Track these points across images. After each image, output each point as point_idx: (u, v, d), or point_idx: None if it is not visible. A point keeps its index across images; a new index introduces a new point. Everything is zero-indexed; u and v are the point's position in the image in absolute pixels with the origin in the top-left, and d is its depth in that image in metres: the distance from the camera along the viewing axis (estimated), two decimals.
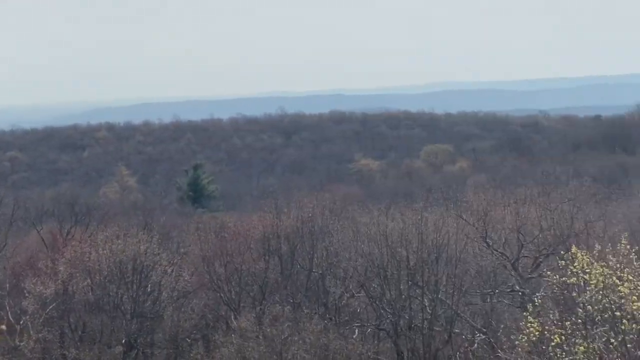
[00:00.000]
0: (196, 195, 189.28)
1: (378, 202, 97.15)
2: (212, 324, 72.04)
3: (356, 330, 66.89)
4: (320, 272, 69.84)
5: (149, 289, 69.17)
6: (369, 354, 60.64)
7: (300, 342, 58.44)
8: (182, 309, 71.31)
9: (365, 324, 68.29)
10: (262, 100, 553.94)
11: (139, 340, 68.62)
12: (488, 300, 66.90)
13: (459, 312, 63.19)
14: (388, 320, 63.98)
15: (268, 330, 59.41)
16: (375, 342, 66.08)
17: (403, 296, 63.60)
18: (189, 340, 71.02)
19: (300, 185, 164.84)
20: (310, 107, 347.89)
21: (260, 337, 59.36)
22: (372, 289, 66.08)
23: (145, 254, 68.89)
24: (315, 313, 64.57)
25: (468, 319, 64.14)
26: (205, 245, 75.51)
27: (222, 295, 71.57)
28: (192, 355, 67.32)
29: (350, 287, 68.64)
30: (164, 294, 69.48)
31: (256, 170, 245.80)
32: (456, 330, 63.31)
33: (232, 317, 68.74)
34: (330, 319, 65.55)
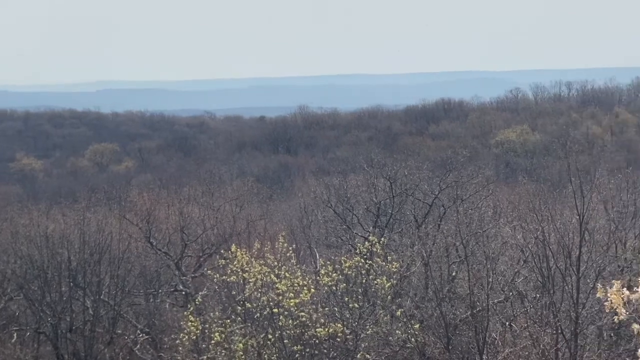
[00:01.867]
0: None
1: (40, 202, 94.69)
2: None
3: (15, 334, 64.71)
4: None
5: None
6: (27, 358, 58.96)
7: None
8: None
9: (24, 328, 66.20)
10: None
11: None
12: (152, 300, 66.72)
13: (121, 312, 62.66)
14: (48, 323, 62.36)
15: None
16: (35, 345, 64.23)
17: (64, 298, 62.24)
18: None
19: None
20: None
21: None
22: (31, 291, 64.18)
23: None
24: None
25: (131, 319, 63.74)
26: None
27: None
28: None
29: (9, 290, 66.32)
30: None
31: None
32: (119, 331, 62.71)
33: None
34: None
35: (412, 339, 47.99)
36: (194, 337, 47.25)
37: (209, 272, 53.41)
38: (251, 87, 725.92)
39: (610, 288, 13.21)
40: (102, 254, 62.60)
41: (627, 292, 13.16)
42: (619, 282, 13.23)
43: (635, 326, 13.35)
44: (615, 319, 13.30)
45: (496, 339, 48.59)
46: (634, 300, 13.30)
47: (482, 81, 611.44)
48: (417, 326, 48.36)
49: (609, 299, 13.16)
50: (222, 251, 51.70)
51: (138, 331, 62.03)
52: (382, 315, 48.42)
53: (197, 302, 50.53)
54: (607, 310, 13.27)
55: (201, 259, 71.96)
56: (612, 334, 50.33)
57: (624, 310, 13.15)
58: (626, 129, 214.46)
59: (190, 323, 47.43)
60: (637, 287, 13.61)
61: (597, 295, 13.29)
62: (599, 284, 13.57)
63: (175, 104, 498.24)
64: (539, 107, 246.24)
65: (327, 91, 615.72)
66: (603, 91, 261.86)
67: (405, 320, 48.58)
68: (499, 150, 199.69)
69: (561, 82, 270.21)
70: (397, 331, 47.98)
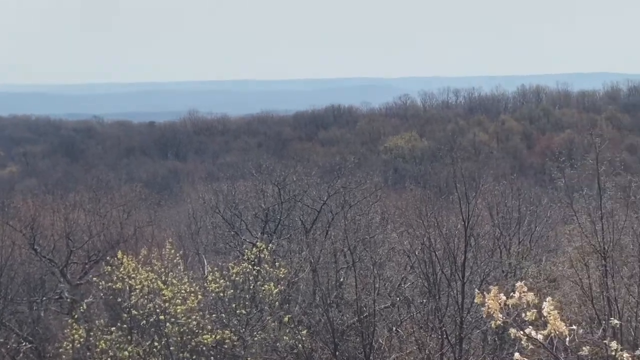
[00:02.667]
0: None
1: None
2: None
3: None
4: None
5: None
6: None
7: None
8: None
9: None
10: None
11: None
12: (35, 308, 65.52)
13: (4, 321, 61.38)
14: None
15: None
16: None
17: None
18: None
19: None
20: None
21: None
22: None
23: None
24: None
25: (14, 328, 62.48)
26: None
27: None
28: None
29: None
30: None
31: None
32: (1, 340, 61.40)
33: None
34: None
35: (300, 345, 48.09)
36: (79, 345, 46.57)
37: (94, 279, 52.74)
38: (140, 92, 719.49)
39: (488, 293, 13.44)
40: None
41: (504, 298, 13.39)
42: (496, 287, 13.47)
43: (512, 331, 13.59)
44: (493, 324, 13.53)
45: (383, 345, 49.01)
46: (510, 306, 13.54)
47: (371, 88, 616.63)
48: (304, 332, 48.48)
49: (486, 304, 13.37)
50: (108, 258, 51.02)
51: (21, 340, 60.84)
52: (269, 322, 48.41)
53: (82, 310, 49.79)
54: (485, 316, 13.49)
55: (87, 266, 70.88)
56: (496, 338, 51.17)
57: (500, 315, 13.38)
58: (512, 136, 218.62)
59: (74, 331, 46.74)
60: (515, 293, 13.85)
61: (476, 300, 13.49)
62: (477, 290, 13.79)
63: (62, 108, 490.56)
64: (427, 114, 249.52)
65: (217, 96, 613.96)
66: (489, 99, 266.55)
67: (293, 326, 48.65)
68: (387, 156, 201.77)
69: (449, 89, 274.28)
70: (284, 337, 48.01)
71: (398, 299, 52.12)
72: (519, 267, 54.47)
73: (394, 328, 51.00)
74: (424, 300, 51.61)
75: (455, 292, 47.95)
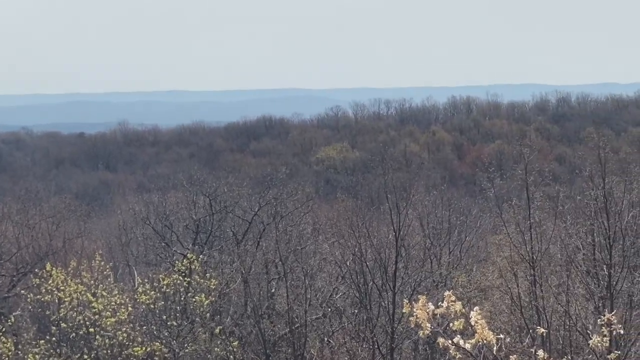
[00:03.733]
0: None
1: None
2: None
3: None
4: None
5: None
6: None
7: None
8: None
9: None
10: None
11: None
12: None
13: None
14: None
15: None
16: None
17: None
18: None
19: None
20: None
21: None
22: None
23: None
24: None
25: None
26: None
27: None
28: None
29: None
30: None
31: None
32: None
33: None
34: None
35: (231, 357, 47.93)
36: (7, 358, 45.90)
37: (22, 291, 52.08)
38: (68, 103, 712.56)
39: (416, 303, 13.51)
40: None
41: (432, 307, 13.48)
42: (424, 297, 13.54)
43: (440, 340, 13.67)
44: (421, 334, 13.60)
45: (314, 356, 49.05)
46: (439, 315, 13.62)
47: (302, 99, 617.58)
48: (236, 343, 48.33)
49: (414, 314, 13.44)
50: (37, 270, 50.41)
51: None
52: (201, 333, 48.19)
53: (10, 323, 49.10)
54: (412, 326, 13.55)
55: (15, 279, 70.02)
56: (427, 348, 51.47)
57: (428, 325, 13.45)
58: (442, 147, 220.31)
59: (2, 344, 46.06)
60: (443, 302, 13.94)
61: (404, 310, 13.56)
62: (405, 300, 13.87)
63: None
64: (359, 124, 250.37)
65: (147, 108, 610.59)
66: (420, 110, 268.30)
67: (224, 337, 48.48)
68: (319, 167, 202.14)
69: (380, 100, 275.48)
70: (216, 349, 47.81)
71: (329, 309, 52.21)
72: (450, 276, 54.88)
73: (326, 339, 51.06)
74: (356, 311, 51.77)
75: (386, 302, 48.17)
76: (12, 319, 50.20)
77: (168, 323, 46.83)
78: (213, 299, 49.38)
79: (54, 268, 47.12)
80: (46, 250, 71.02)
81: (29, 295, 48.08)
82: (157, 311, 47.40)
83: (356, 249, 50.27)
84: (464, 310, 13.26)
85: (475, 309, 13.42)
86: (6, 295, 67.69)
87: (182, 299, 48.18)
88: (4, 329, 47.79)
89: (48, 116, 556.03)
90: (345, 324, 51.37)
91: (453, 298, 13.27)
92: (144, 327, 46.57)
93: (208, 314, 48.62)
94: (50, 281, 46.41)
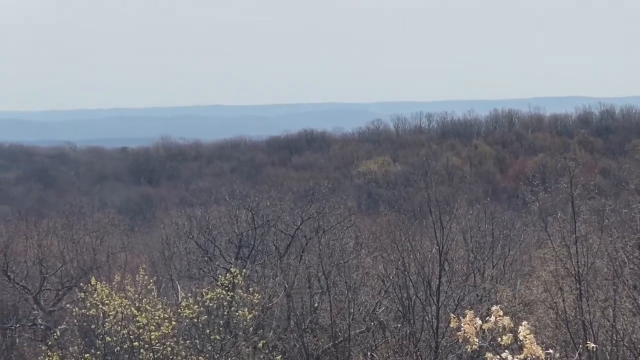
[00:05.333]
0: None
1: None
2: None
3: None
4: None
5: None
6: None
7: None
8: None
9: None
10: None
11: None
12: (9, 335, 65.09)
13: None
14: None
15: None
16: None
17: None
18: None
19: None
20: None
21: None
22: None
23: None
24: None
25: None
26: None
27: None
28: None
29: None
30: None
31: None
32: None
33: None
34: None
35: None
36: None
37: (68, 305, 52.39)
38: (111, 118, 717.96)
39: (464, 317, 13.43)
40: None
41: (479, 322, 13.40)
42: (471, 311, 13.46)
43: (488, 355, 13.59)
44: (468, 349, 13.51)
45: None
46: (486, 330, 13.53)
47: (344, 113, 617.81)
48: (279, 357, 48.30)
49: (462, 328, 13.36)
50: (81, 284, 50.72)
51: None
52: (244, 347, 48.22)
53: (56, 337, 49.44)
54: (460, 340, 13.47)
55: (60, 292, 70.57)
56: None
57: (476, 340, 13.37)
58: (484, 160, 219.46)
59: (48, 358, 46.39)
60: (491, 317, 13.85)
61: (451, 324, 13.48)
62: (452, 314, 13.78)
63: (34, 134, 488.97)
64: (400, 138, 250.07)
65: (189, 122, 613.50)
66: (462, 123, 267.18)
67: (267, 351, 48.49)
68: (361, 181, 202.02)
69: (422, 114, 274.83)
70: None
71: (373, 323, 52.06)
72: (493, 291, 54.54)
73: (369, 353, 50.91)
74: (399, 325, 51.58)
75: (430, 316, 47.96)
76: (58, 333, 50.56)
77: (211, 337, 46.90)
78: (256, 313, 49.41)
79: (98, 282, 47.37)
80: (90, 264, 71.49)
81: (74, 309, 48.35)
82: (201, 325, 47.48)
83: (399, 263, 50.13)
84: (512, 324, 13.18)
85: (523, 323, 13.32)
86: (52, 309, 68.21)
87: (226, 313, 48.24)
88: (50, 343, 48.12)
89: (91, 131, 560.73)
90: (389, 338, 51.19)
91: (501, 312, 13.19)
92: (188, 341, 46.67)
93: (251, 328, 48.65)
94: (95, 295, 46.65)
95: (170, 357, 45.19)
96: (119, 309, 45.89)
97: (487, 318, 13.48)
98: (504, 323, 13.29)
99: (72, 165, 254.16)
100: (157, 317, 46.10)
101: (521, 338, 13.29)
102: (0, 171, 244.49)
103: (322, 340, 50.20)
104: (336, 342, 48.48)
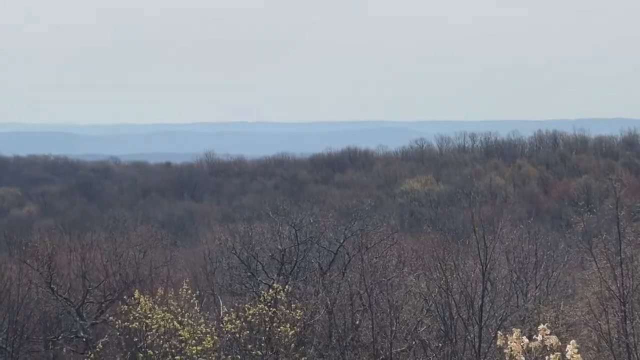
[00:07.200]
0: None
1: None
2: None
3: None
4: None
5: None
6: None
7: None
8: None
9: None
10: None
11: None
12: (51, 347, 65.55)
13: (19, 359, 61.39)
14: None
15: None
16: None
17: None
18: None
19: None
20: None
21: None
22: None
23: None
24: None
25: None
26: None
27: None
28: None
29: None
30: None
31: None
32: None
33: None
34: None
35: None
36: None
37: (111, 318, 52.70)
38: (156, 133, 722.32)
39: (510, 336, 13.39)
40: (1, 299, 61.35)
41: (526, 340, 13.35)
42: (518, 330, 13.42)
43: None
44: None
45: None
46: (533, 349, 13.48)
47: (387, 131, 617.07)
48: None
49: (508, 347, 13.33)
50: (124, 297, 51.02)
51: None
52: None
53: (98, 349, 49.74)
54: (507, 359, 13.43)
55: (103, 305, 70.93)
56: None
57: (523, 358, 13.33)
58: (528, 180, 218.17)
59: None
60: (537, 336, 13.80)
61: (497, 343, 13.45)
62: (499, 332, 13.75)
63: (79, 148, 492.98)
64: (444, 157, 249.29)
65: (233, 138, 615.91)
66: (506, 143, 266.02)
67: None
68: (403, 199, 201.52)
69: (465, 133, 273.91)
70: None
71: (414, 342, 51.91)
72: (536, 312, 54.17)
73: None
74: (440, 344, 51.38)
75: (472, 336, 47.73)
76: (101, 346, 50.86)
77: (253, 353, 46.97)
78: (298, 329, 49.41)
79: (141, 296, 47.62)
80: (133, 278, 71.84)
81: (117, 322, 48.63)
82: (242, 340, 47.58)
83: (442, 282, 49.99)
84: (559, 344, 13.12)
85: (571, 342, 13.26)
86: (94, 321, 68.59)
87: (267, 329, 48.30)
88: (92, 355, 48.42)
89: (135, 146, 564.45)
90: (430, 357, 51.01)
91: (548, 331, 13.13)
92: (229, 356, 46.78)
93: (292, 345, 48.65)
94: (138, 308, 46.91)
95: None
96: (162, 323, 46.12)
97: (533, 337, 13.42)
98: (552, 342, 13.23)
99: (116, 180, 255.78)
100: (199, 332, 46.28)
101: (568, 357, 13.23)
102: (45, 184, 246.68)
103: (364, 358, 50.12)
104: None
